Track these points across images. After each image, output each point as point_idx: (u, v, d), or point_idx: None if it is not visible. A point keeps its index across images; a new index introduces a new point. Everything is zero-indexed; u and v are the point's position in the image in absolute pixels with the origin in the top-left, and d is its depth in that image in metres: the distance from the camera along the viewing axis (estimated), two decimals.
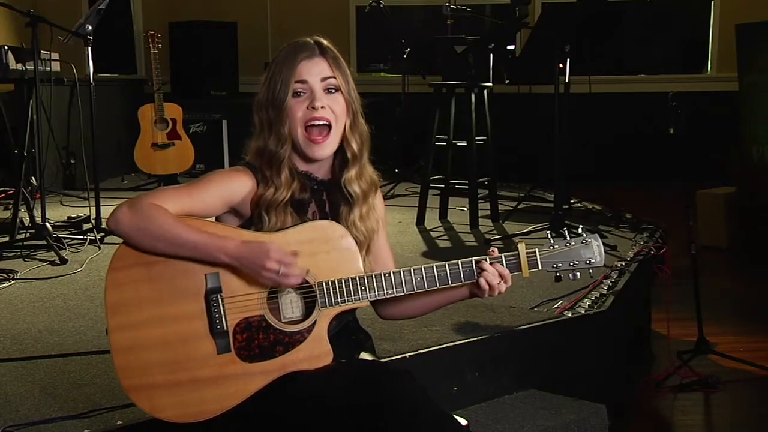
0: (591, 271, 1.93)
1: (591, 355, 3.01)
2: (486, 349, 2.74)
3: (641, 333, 3.94)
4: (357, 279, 1.81)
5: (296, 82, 1.84)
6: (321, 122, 1.84)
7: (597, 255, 1.91)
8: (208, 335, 1.77)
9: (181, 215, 1.77)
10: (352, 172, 1.91)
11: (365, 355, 1.93)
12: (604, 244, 1.95)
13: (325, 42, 1.89)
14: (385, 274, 1.82)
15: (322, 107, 1.84)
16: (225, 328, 1.76)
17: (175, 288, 1.76)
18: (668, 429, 3.15)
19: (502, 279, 1.86)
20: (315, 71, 1.85)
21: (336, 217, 1.92)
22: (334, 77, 1.86)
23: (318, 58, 1.86)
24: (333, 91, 1.86)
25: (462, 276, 1.85)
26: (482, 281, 1.85)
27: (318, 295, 1.79)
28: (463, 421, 1.81)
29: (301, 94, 1.85)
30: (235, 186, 1.84)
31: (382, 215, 2.01)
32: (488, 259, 1.86)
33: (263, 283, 1.76)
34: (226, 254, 1.73)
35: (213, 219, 1.87)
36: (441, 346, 2.65)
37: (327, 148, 1.86)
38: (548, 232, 2.04)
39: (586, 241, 1.91)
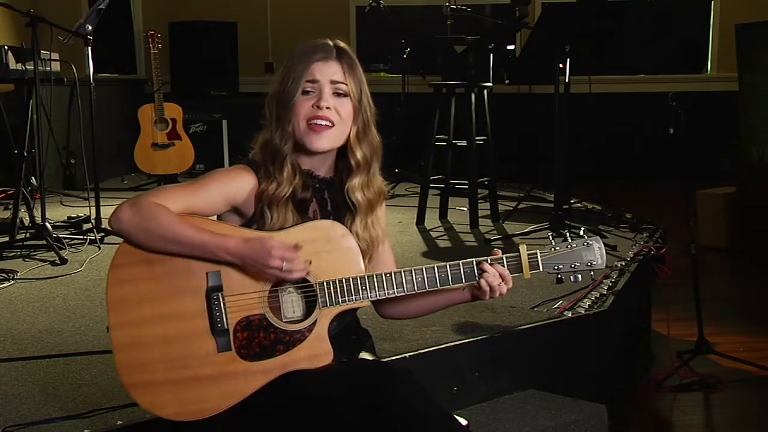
0: (592, 273, 1.94)
1: (591, 355, 3.01)
2: (486, 349, 2.74)
3: (641, 333, 3.94)
4: (358, 278, 1.81)
5: (307, 81, 1.84)
6: (323, 122, 1.84)
7: (598, 257, 1.92)
8: (209, 333, 1.77)
9: (183, 214, 1.78)
10: (356, 181, 1.91)
11: (365, 355, 1.93)
12: (604, 245, 1.95)
13: (345, 47, 1.89)
14: (386, 274, 1.83)
15: (327, 108, 1.84)
16: (226, 326, 1.77)
17: (177, 286, 1.77)
18: (668, 429, 3.14)
19: (502, 280, 1.87)
20: (327, 72, 1.85)
21: (338, 215, 1.92)
22: (345, 83, 1.86)
23: (333, 61, 1.86)
24: (342, 95, 1.86)
25: (463, 277, 1.86)
26: (482, 282, 1.86)
27: (319, 295, 1.79)
28: (463, 421, 1.82)
29: (310, 92, 1.85)
30: (237, 184, 1.85)
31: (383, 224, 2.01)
32: (489, 260, 1.87)
33: (267, 279, 1.77)
34: (228, 252, 1.74)
35: (215, 218, 1.88)
36: (441, 346, 2.64)
37: (324, 140, 1.85)
38: (549, 233, 2.05)
39: (588, 243, 1.92)
